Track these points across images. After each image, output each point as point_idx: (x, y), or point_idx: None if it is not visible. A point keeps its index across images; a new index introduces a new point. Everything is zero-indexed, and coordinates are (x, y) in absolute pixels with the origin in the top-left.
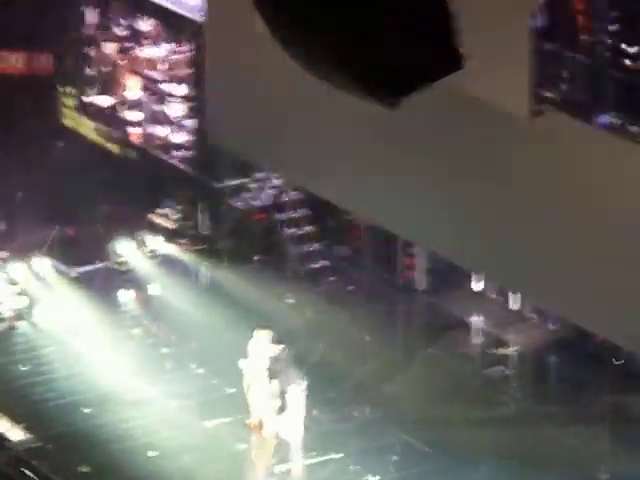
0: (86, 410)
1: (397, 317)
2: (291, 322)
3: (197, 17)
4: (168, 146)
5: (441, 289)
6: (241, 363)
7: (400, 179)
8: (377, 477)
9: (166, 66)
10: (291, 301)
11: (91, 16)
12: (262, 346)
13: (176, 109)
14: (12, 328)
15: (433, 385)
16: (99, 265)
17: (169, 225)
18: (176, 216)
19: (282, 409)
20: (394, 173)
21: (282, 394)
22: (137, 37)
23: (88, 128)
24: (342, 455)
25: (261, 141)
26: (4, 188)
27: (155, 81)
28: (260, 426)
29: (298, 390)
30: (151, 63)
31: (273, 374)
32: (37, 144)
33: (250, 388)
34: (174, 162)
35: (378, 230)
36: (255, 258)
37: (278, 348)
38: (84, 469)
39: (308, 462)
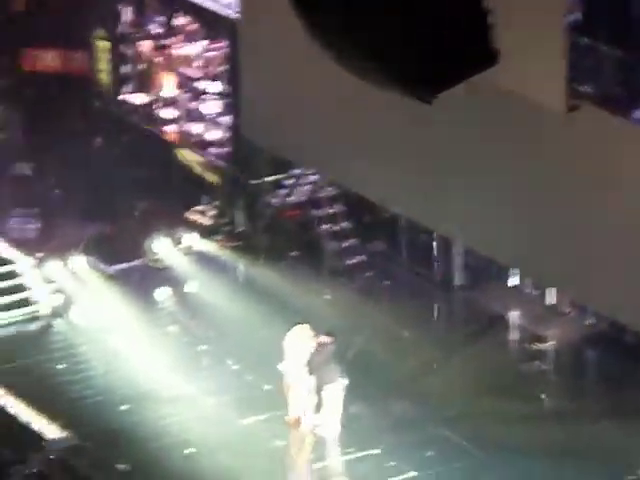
0: (123, 407)
1: (434, 313)
2: (328, 318)
3: (231, 14)
4: (204, 143)
5: (478, 285)
6: (280, 365)
7: (435, 175)
8: (415, 472)
9: (201, 63)
10: (328, 297)
11: (126, 14)
12: (300, 341)
13: (211, 106)
14: (49, 326)
15: (471, 380)
16: (136, 263)
17: (205, 222)
18: (212, 213)
19: (319, 406)
20: (429, 169)
21: (319, 390)
22: (172, 34)
23: (125, 126)
24: (380, 451)
25: (295, 137)
26: (41, 187)
27: (190, 78)
28: (298, 423)
29: (338, 387)
30: (186, 60)
31: (312, 369)
32: (73, 142)
33: (289, 386)
34: (210, 159)
35: (414, 226)
36: (291, 254)
37: (326, 340)
38: (122, 466)
39: (346, 458)
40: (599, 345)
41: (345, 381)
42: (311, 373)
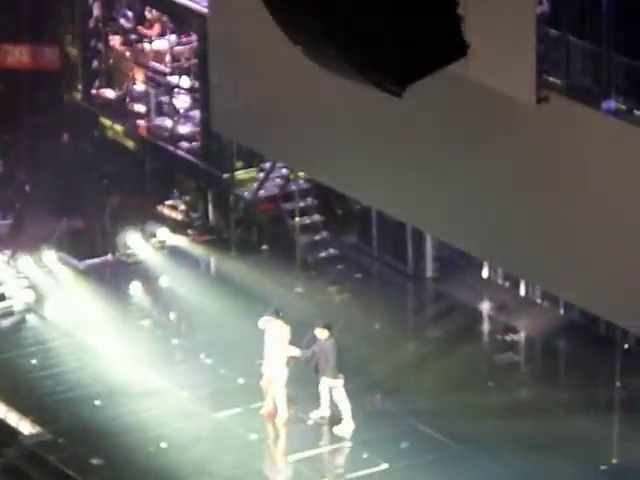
0: (96, 402)
1: (406, 304)
2: (300, 311)
3: (201, 8)
4: (175, 137)
5: (450, 276)
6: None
7: (405, 167)
8: (387, 465)
9: (171, 58)
10: (300, 290)
11: (96, 8)
12: (274, 332)
13: (182, 100)
14: (21, 321)
15: (443, 372)
16: (108, 257)
17: (177, 216)
18: (184, 207)
19: (322, 401)
20: (399, 161)
21: (321, 385)
22: (142, 29)
23: (95, 121)
24: (354, 443)
25: (265, 130)
26: (11, 183)
27: (160, 73)
28: (273, 415)
29: (339, 383)
30: (156, 55)
31: (314, 364)
32: (43, 138)
33: (265, 377)
34: (181, 153)
35: (386, 218)
36: (263, 248)
37: (323, 333)
38: (95, 461)
39: (320, 451)
40: (570, 335)
41: (342, 377)
42: (315, 370)
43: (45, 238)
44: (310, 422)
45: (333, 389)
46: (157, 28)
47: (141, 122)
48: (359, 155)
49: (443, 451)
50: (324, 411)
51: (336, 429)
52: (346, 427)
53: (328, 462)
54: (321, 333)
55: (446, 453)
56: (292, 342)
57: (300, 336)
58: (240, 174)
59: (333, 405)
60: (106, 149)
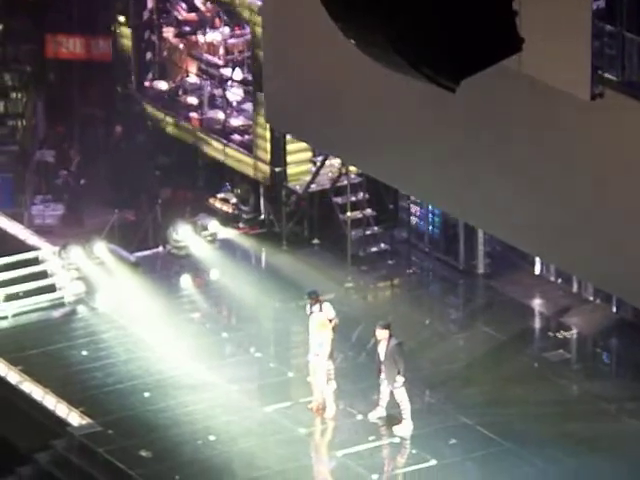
0: (146, 395)
1: (457, 300)
2: (351, 306)
3: (255, 0)
4: (226, 130)
5: (501, 272)
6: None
7: (458, 163)
8: (435, 461)
9: (224, 50)
10: (350, 284)
11: (151, 0)
12: (321, 326)
13: (235, 93)
14: (72, 313)
15: (494, 368)
16: (159, 250)
17: (228, 209)
18: (235, 200)
19: (381, 400)
20: (452, 157)
21: (383, 384)
22: (195, 21)
23: (148, 113)
24: (402, 439)
25: (318, 124)
26: (64, 174)
27: (214, 65)
28: (322, 410)
29: (400, 383)
30: (210, 47)
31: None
32: (96, 130)
33: (310, 367)
34: (233, 146)
35: (438, 213)
36: (314, 242)
37: (384, 333)
38: (144, 453)
39: (368, 446)
40: (622, 333)
41: (402, 378)
42: (379, 369)
43: (97, 230)
44: (359, 417)
45: (395, 389)
46: (210, 20)
47: (194, 114)
48: (410, 149)
49: (492, 447)
50: (381, 411)
51: (396, 429)
52: (406, 427)
53: (376, 457)
54: (381, 334)
55: (495, 449)
56: (341, 336)
57: (350, 331)
58: (292, 167)
59: (394, 405)
60: (158, 141)
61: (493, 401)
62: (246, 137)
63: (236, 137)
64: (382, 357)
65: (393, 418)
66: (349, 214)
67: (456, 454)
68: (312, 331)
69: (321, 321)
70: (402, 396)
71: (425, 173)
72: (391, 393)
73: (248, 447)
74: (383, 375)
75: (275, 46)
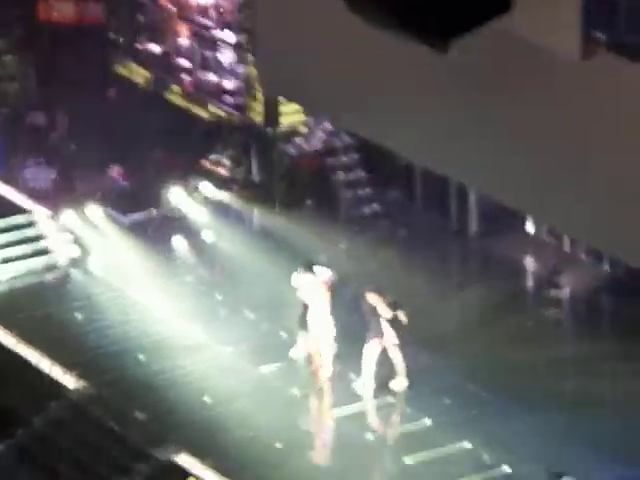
0: (140, 357)
1: (450, 261)
2: (343, 267)
3: None
4: (219, 92)
5: (494, 232)
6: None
7: (449, 122)
8: (429, 420)
9: (217, 12)
10: (343, 246)
11: None
12: (311, 288)
13: (227, 55)
14: (67, 276)
15: (486, 328)
16: (152, 213)
17: (221, 172)
18: (228, 162)
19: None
20: (443, 116)
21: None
22: None
23: (140, 75)
24: (397, 399)
25: (311, 85)
26: (55, 137)
27: (205, 27)
28: (317, 370)
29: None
30: (201, 9)
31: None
32: (88, 92)
33: (312, 336)
34: (226, 108)
35: (430, 174)
36: (307, 203)
37: (376, 298)
38: (139, 415)
39: (363, 406)
40: (614, 291)
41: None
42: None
43: (89, 193)
44: (354, 378)
45: (391, 348)
46: None
47: (186, 77)
48: (402, 111)
49: (486, 407)
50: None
51: (391, 384)
52: (400, 383)
53: (371, 418)
54: (373, 297)
55: (489, 409)
56: (336, 297)
57: (344, 292)
58: (284, 129)
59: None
60: (150, 104)
61: (486, 360)
62: (239, 99)
63: (228, 99)
64: (377, 321)
65: (388, 379)
66: (341, 175)
67: (451, 413)
68: (308, 300)
69: (316, 286)
70: (397, 355)
71: (415, 133)
72: (384, 351)
73: (243, 408)
74: (381, 339)
75: (268, 7)
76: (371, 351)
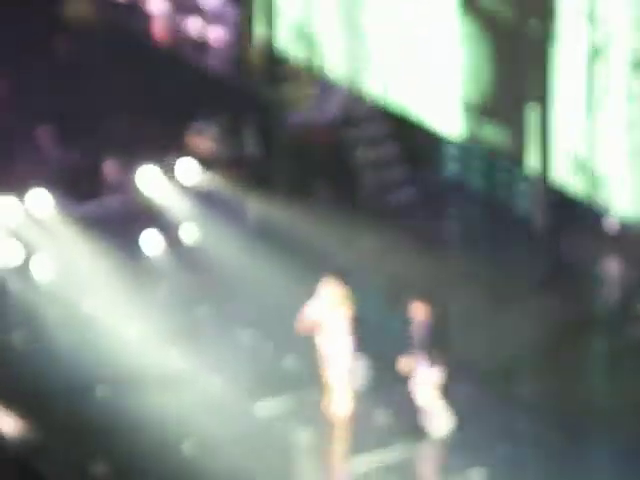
0: (99, 392)
1: (509, 262)
2: (368, 274)
3: None
4: (202, 43)
5: (565, 226)
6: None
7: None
8: (481, 471)
9: None
10: (367, 245)
11: None
12: (335, 303)
13: None
14: (2, 285)
15: (556, 353)
16: (114, 201)
17: (205, 147)
18: (215, 135)
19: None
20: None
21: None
22: None
23: (100, 20)
24: (439, 445)
25: (322, 37)
26: None
27: None
28: (331, 406)
29: (439, 372)
30: None
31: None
32: (35, 40)
33: (327, 359)
34: (211, 63)
35: (481, 148)
36: (318, 189)
37: (421, 309)
38: (99, 469)
39: (392, 456)
40: None
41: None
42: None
43: (32, 173)
44: (380, 418)
45: (430, 379)
46: None
47: (158, 22)
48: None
49: (559, 458)
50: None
51: (431, 425)
52: (442, 427)
53: (403, 471)
54: (417, 310)
55: (563, 461)
56: (357, 318)
57: (366, 310)
58: (288, 91)
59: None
60: (113, 56)
61: (554, 396)
62: (229, 51)
63: (215, 51)
64: (419, 340)
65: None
66: (363, 151)
67: (508, 462)
68: (323, 313)
69: (333, 300)
70: (436, 388)
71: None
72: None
73: (234, 459)
74: (419, 362)
75: None
76: (427, 378)
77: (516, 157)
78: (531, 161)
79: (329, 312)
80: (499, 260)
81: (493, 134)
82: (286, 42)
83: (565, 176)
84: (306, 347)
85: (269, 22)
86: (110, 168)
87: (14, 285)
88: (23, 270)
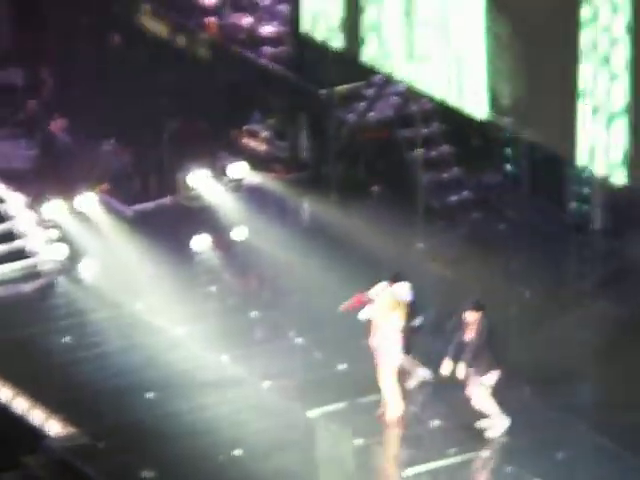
0: (149, 395)
1: (566, 266)
2: (423, 275)
3: None
4: (255, 40)
5: (624, 230)
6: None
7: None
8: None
9: None
10: (422, 246)
11: None
12: (390, 306)
13: None
14: (50, 286)
15: (614, 358)
16: (165, 201)
17: (258, 146)
18: (267, 134)
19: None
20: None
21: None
22: None
23: (152, 18)
24: (491, 452)
25: (375, 33)
26: (37, 100)
27: None
28: (387, 413)
29: (492, 379)
30: None
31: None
32: (85, 40)
33: (381, 365)
34: (263, 61)
35: (540, 150)
36: (373, 189)
37: (473, 316)
38: (147, 474)
39: (446, 462)
40: None
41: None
42: (469, 365)
43: (82, 175)
44: (435, 424)
45: (482, 386)
46: None
47: (211, 20)
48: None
49: (613, 463)
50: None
51: (485, 428)
52: (497, 426)
53: (457, 478)
54: (471, 316)
55: (617, 466)
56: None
57: (421, 312)
58: (343, 90)
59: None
60: (165, 56)
61: (613, 403)
62: (280, 49)
63: (267, 49)
64: (474, 344)
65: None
66: (420, 151)
67: (564, 469)
68: (377, 317)
69: (390, 303)
70: (486, 395)
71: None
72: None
73: (286, 464)
74: (471, 369)
75: None
76: (483, 383)
77: (568, 157)
78: (583, 161)
79: (383, 315)
80: (555, 263)
81: (544, 135)
82: (339, 40)
83: (618, 176)
84: (359, 352)
85: (316, 19)
86: (160, 169)
87: (63, 286)
88: (72, 271)
